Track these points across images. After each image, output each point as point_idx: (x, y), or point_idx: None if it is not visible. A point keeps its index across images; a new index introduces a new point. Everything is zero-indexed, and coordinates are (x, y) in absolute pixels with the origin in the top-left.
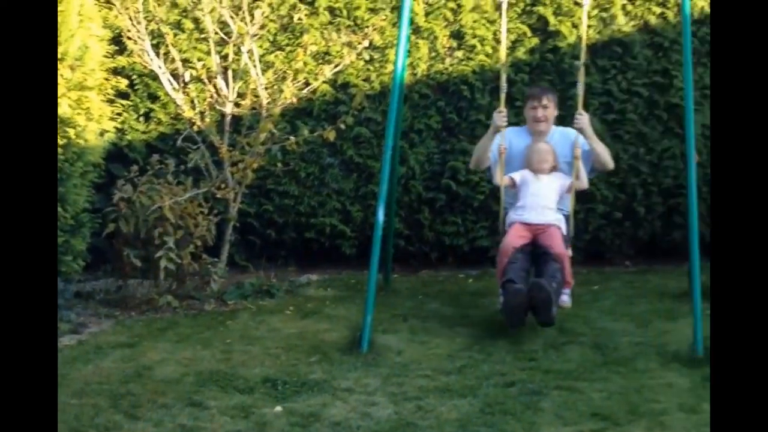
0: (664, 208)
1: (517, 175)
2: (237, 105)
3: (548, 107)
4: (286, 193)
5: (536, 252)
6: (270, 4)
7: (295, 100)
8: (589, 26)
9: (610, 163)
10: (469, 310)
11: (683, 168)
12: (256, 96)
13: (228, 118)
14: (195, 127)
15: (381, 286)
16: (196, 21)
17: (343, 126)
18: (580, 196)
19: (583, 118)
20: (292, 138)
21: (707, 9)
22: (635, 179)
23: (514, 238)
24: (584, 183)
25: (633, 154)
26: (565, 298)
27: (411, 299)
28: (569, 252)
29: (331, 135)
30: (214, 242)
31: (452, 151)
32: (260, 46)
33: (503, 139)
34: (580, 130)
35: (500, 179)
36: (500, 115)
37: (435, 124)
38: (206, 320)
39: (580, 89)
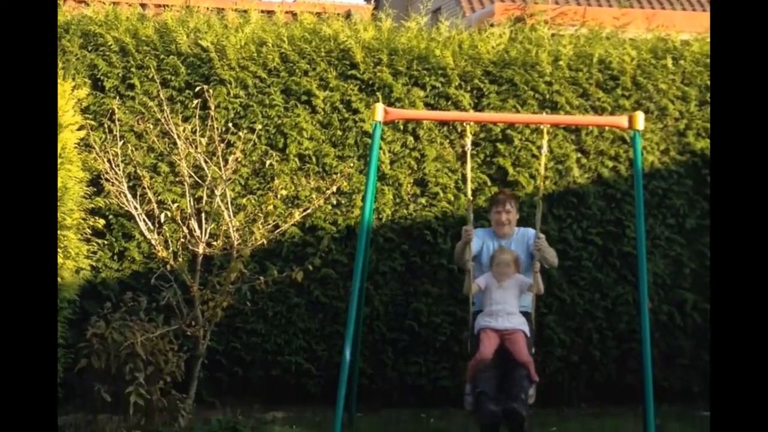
0: (619, 352)
1: (482, 281)
2: (209, 245)
3: (510, 212)
4: (253, 331)
5: (503, 357)
6: (243, 151)
7: (265, 241)
8: (545, 177)
9: (555, 262)
10: None
11: (636, 314)
12: (228, 237)
13: (200, 258)
14: (168, 267)
15: (346, 425)
16: (172, 165)
17: (310, 267)
18: (539, 342)
19: (541, 240)
20: (262, 278)
21: (657, 164)
22: (591, 324)
23: (487, 352)
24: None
25: (588, 300)
26: (531, 392)
27: None
28: (532, 351)
29: (299, 276)
30: (183, 378)
31: (415, 293)
32: (232, 190)
33: (471, 246)
34: (539, 250)
35: (469, 288)
36: (467, 231)
37: (399, 267)
38: None
39: (538, 219)
